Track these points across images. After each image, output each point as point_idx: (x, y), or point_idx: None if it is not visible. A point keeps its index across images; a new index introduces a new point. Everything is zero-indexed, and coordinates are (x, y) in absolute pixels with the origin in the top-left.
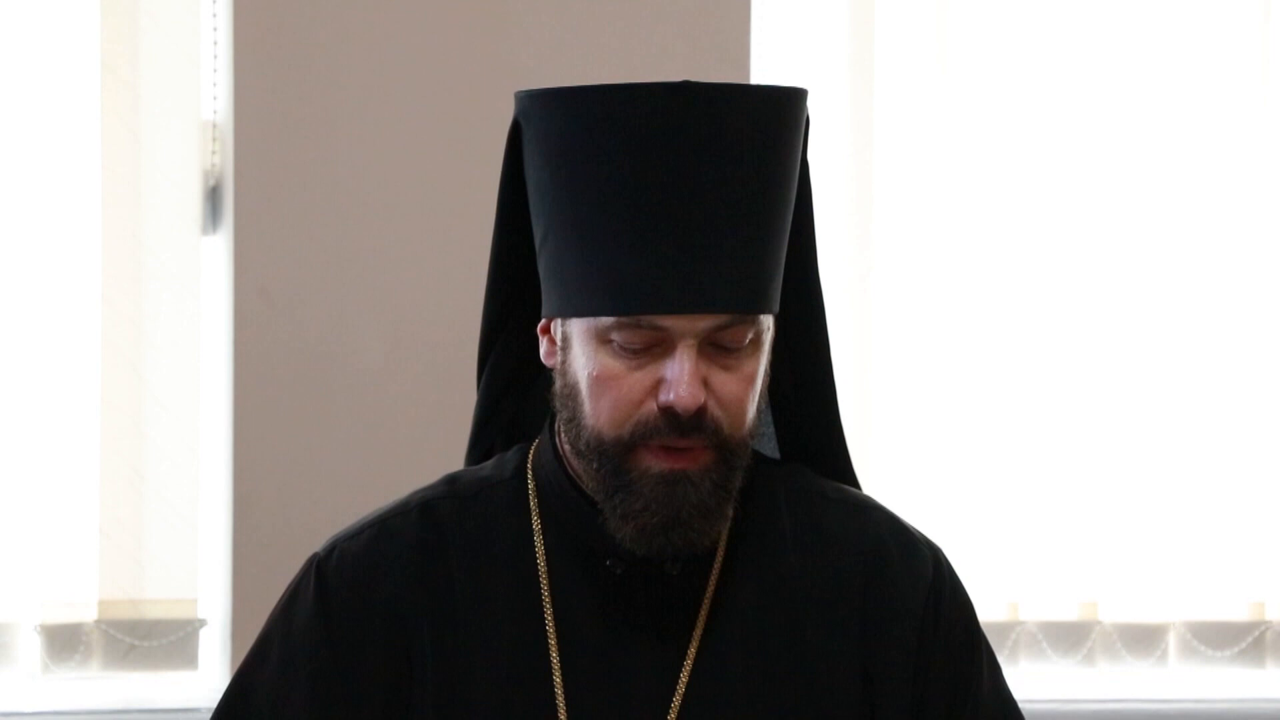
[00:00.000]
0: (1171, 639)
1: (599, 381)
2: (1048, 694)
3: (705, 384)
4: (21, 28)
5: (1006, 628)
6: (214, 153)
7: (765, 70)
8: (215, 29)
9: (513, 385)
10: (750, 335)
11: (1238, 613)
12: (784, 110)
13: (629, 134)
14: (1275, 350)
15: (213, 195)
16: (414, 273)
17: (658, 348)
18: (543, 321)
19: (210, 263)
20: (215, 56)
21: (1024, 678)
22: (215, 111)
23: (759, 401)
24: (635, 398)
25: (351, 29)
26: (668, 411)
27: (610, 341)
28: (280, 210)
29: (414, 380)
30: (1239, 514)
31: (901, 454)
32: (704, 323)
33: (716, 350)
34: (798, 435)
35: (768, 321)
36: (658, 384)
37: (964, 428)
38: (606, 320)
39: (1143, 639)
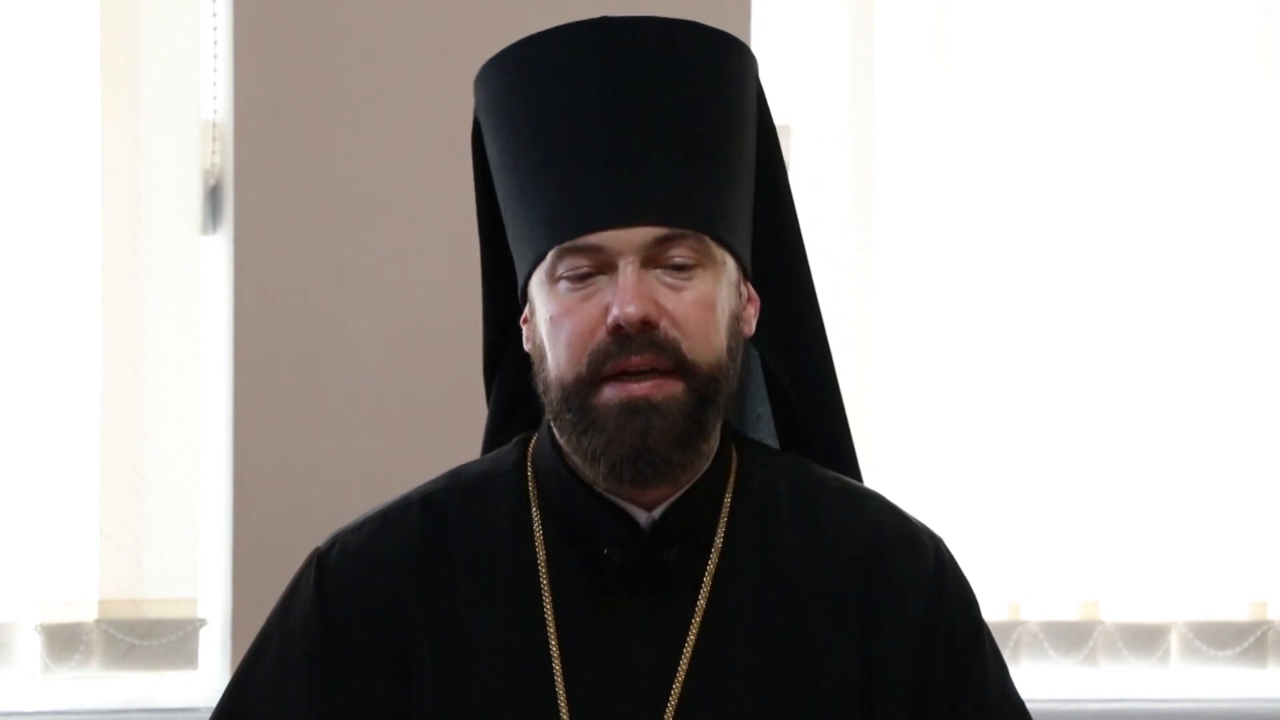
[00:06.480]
0: (1173, 639)
1: (555, 323)
2: (1049, 694)
3: (656, 305)
4: (22, 28)
5: (1008, 628)
6: (214, 153)
7: (765, 70)
8: (215, 29)
9: (518, 402)
10: (695, 253)
11: (1239, 613)
12: (720, 47)
13: (554, 76)
14: (1275, 351)
15: (213, 195)
16: (414, 273)
17: (602, 275)
18: (524, 313)
19: (210, 263)
20: (215, 56)
21: (1026, 677)
22: (215, 111)
23: (728, 337)
24: (587, 328)
25: (351, 29)
26: (616, 331)
27: (559, 280)
28: (280, 210)
29: (413, 380)
30: (1240, 514)
31: (902, 454)
32: (639, 236)
33: (664, 271)
34: (798, 426)
35: (722, 255)
36: (606, 310)
37: (965, 428)
38: (550, 257)
39: (1144, 639)
